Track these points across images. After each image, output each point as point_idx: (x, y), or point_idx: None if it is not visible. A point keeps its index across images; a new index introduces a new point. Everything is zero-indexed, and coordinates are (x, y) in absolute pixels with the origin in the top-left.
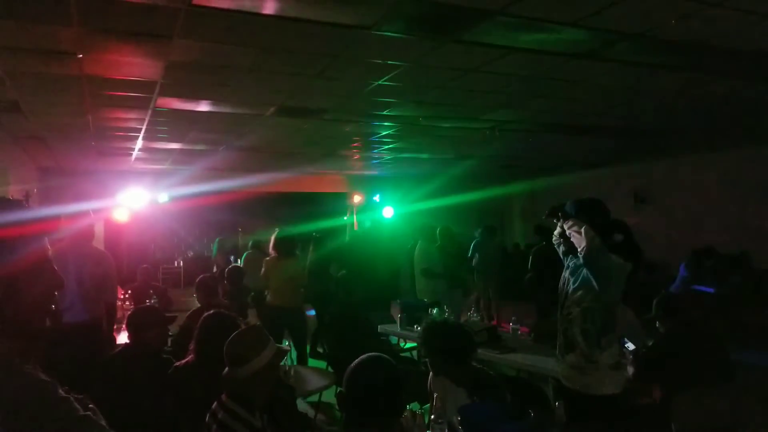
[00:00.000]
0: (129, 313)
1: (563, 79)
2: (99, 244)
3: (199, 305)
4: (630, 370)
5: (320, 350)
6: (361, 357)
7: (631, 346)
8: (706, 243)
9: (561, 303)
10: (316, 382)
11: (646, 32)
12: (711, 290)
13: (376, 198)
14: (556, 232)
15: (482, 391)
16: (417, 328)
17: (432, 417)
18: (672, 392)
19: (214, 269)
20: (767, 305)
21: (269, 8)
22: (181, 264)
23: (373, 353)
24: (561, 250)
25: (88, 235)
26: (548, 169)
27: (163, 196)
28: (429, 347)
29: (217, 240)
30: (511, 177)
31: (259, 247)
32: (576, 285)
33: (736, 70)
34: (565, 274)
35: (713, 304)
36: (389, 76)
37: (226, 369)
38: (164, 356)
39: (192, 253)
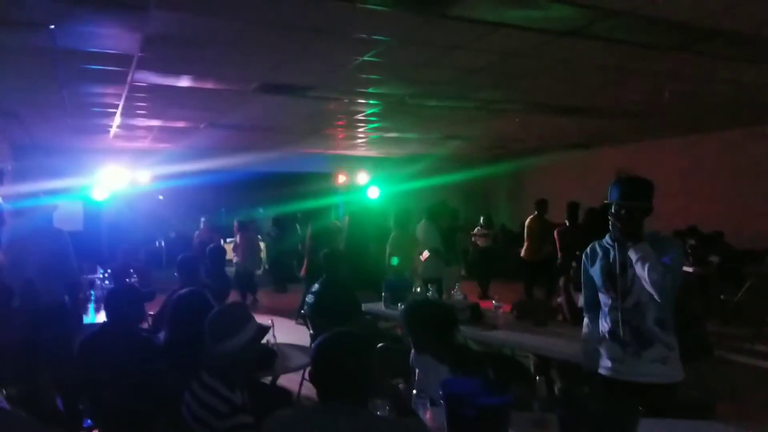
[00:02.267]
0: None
1: (550, 58)
2: (78, 224)
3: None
4: None
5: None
6: (328, 333)
7: None
8: (688, 223)
9: (618, 295)
10: (298, 358)
11: (634, 10)
12: (690, 269)
13: (363, 178)
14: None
15: (464, 366)
16: (401, 306)
17: (414, 392)
18: None
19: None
20: (742, 284)
21: None
22: (163, 244)
23: (341, 329)
24: (616, 233)
25: (46, 215)
26: (534, 150)
27: (143, 175)
28: (411, 325)
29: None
30: (498, 157)
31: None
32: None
33: (723, 51)
34: (613, 258)
35: (693, 283)
36: (374, 52)
37: (208, 345)
38: (143, 335)
39: (174, 234)
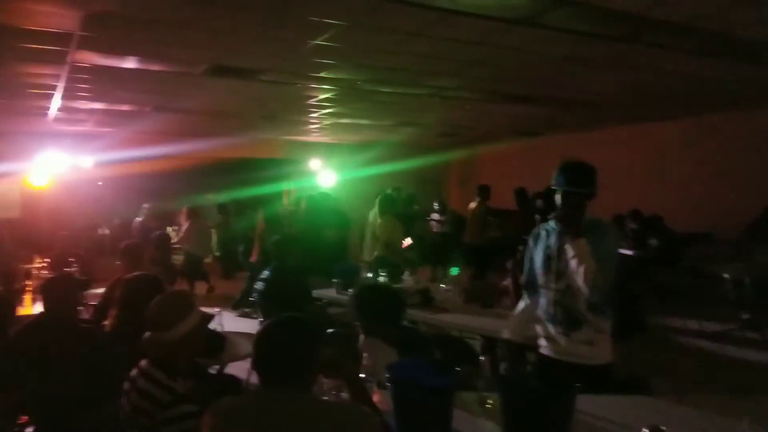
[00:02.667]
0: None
1: (502, 46)
2: (15, 211)
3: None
4: None
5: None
6: (268, 321)
7: None
8: (630, 208)
9: (553, 277)
10: (247, 346)
11: (586, 0)
12: (631, 252)
13: (316, 164)
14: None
15: (412, 349)
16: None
17: (362, 376)
18: None
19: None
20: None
21: None
22: (107, 232)
23: (285, 314)
24: (559, 217)
25: None
26: (486, 137)
27: (86, 160)
28: (360, 309)
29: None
30: (450, 144)
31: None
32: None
33: (672, 42)
34: (552, 242)
35: (633, 265)
36: (327, 35)
37: (147, 334)
38: (82, 326)
39: (119, 221)
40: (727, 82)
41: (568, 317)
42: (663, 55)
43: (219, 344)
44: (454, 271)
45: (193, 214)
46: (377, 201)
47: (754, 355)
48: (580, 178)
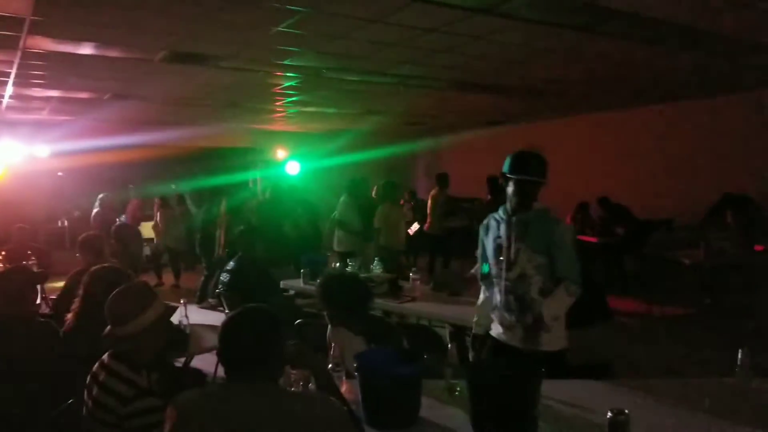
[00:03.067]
0: None
1: (464, 34)
2: None
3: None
4: None
5: (212, 301)
6: (232, 312)
7: None
8: (593, 195)
9: (505, 264)
10: (212, 339)
11: None
12: (594, 240)
13: (281, 153)
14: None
15: (379, 339)
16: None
17: (330, 366)
18: None
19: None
20: (642, 253)
21: None
22: (66, 224)
23: (250, 305)
24: (508, 206)
25: None
26: (451, 126)
27: (43, 150)
28: (326, 299)
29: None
30: (416, 133)
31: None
32: (525, 243)
33: (628, 32)
34: (502, 231)
35: (597, 252)
36: (289, 22)
37: (108, 328)
38: (41, 320)
39: (78, 212)
40: (683, 71)
41: (521, 305)
42: (620, 45)
43: (181, 340)
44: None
45: (163, 204)
46: (347, 187)
47: (715, 339)
48: (531, 166)
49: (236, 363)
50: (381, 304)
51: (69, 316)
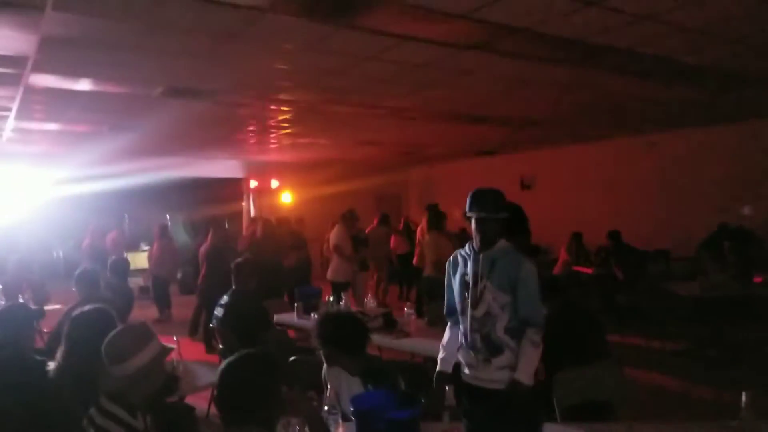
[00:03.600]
0: None
1: (455, 69)
2: None
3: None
4: None
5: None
6: (230, 359)
7: None
8: (582, 227)
9: (471, 301)
10: (206, 377)
11: (530, 27)
12: (589, 271)
13: (274, 183)
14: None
15: (376, 379)
16: (313, 316)
17: (325, 408)
18: (553, 369)
19: None
20: (638, 285)
21: None
22: (61, 254)
23: (245, 351)
24: (476, 242)
25: None
26: (444, 156)
27: (40, 181)
28: (323, 338)
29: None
30: (409, 163)
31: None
32: (490, 280)
33: (614, 66)
34: (469, 268)
35: (591, 285)
36: (284, 59)
37: (105, 368)
38: (36, 358)
39: (73, 242)
40: (676, 102)
41: (487, 344)
42: (611, 78)
43: (172, 383)
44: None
45: (162, 233)
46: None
47: (715, 375)
48: (487, 203)
49: (234, 411)
50: (375, 339)
51: (57, 356)
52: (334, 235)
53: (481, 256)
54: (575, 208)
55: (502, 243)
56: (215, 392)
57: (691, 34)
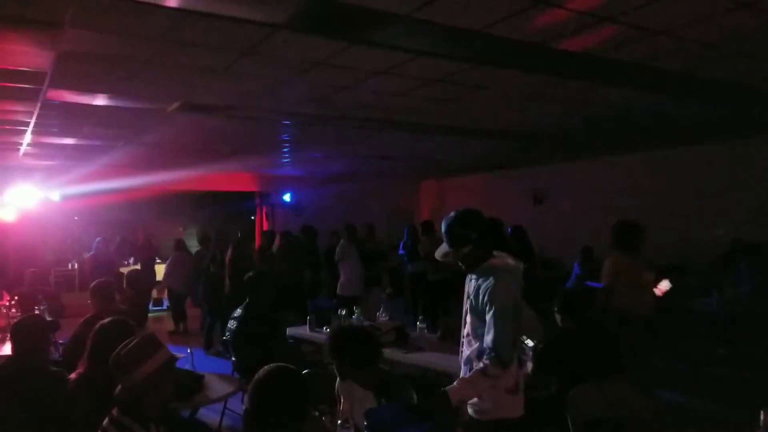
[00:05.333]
0: (13, 323)
1: (468, 84)
2: None
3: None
4: (529, 365)
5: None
6: (261, 372)
7: (530, 342)
8: (603, 241)
9: (463, 322)
10: (220, 388)
11: (544, 42)
12: (600, 285)
13: (287, 197)
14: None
15: (389, 393)
16: (326, 329)
17: (339, 422)
18: (567, 384)
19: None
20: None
21: (173, 0)
22: (76, 266)
23: (273, 365)
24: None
25: None
26: (455, 170)
27: (55, 194)
28: (335, 352)
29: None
30: (420, 176)
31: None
32: (470, 304)
33: (624, 80)
34: (468, 287)
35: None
36: (298, 74)
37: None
38: (53, 369)
39: (87, 255)
40: (686, 117)
41: (467, 365)
42: (624, 93)
43: (196, 385)
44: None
45: (178, 245)
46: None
47: (732, 392)
48: (448, 239)
49: (266, 423)
50: (387, 353)
51: (79, 369)
52: (338, 249)
53: (468, 276)
54: (589, 222)
55: (488, 263)
56: (248, 406)
57: (704, 49)
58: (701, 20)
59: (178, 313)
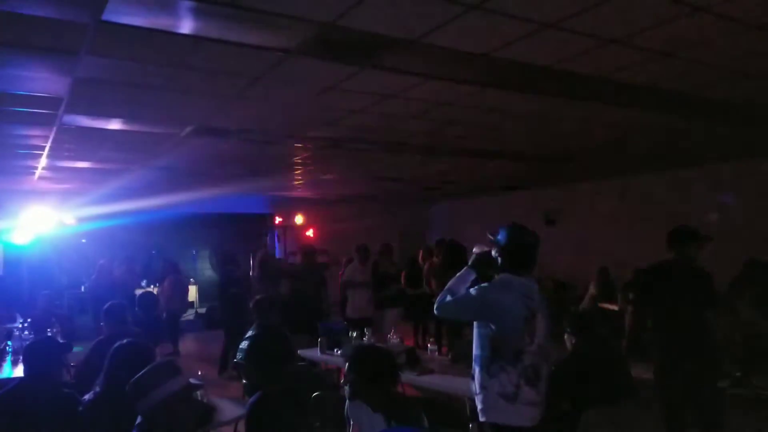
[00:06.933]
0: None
1: (478, 107)
2: None
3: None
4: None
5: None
6: (254, 398)
7: None
8: (613, 261)
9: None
10: (230, 411)
11: (551, 65)
12: (615, 307)
13: (299, 219)
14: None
15: (399, 415)
16: (337, 351)
17: None
18: (580, 407)
19: None
20: None
21: (186, 28)
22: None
23: (267, 390)
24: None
25: None
26: (466, 192)
27: (69, 217)
28: (356, 365)
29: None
30: (432, 198)
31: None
32: None
33: (637, 102)
34: None
35: (618, 321)
36: (308, 99)
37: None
38: (65, 390)
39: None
40: (701, 138)
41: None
42: (635, 114)
43: (207, 416)
44: None
45: (172, 269)
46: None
47: (749, 417)
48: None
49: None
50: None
51: (89, 395)
52: (348, 271)
53: None
54: (602, 243)
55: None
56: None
57: (715, 70)
58: (709, 41)
59: (176, 334)
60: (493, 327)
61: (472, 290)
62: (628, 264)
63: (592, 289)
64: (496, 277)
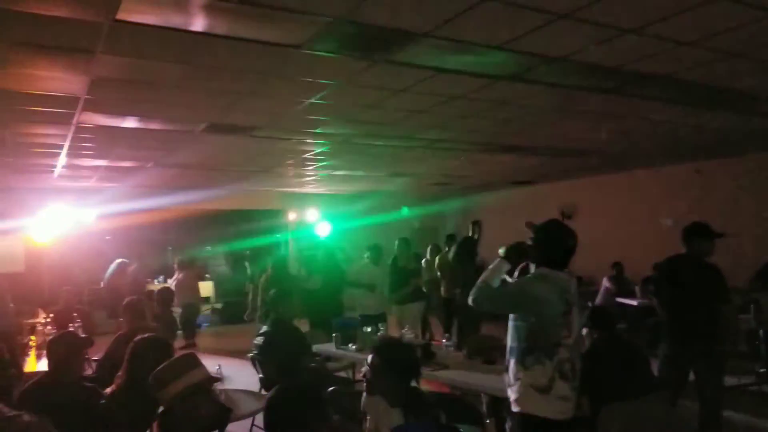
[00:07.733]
0: (49, 339)
1: (491, 100)
2: (19, 266)
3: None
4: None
5: None
6: (271, 393)
7: None
8: (627, 255)
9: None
10: (247, 405)
11: (568, 56)
12: (634, 302)
13: (311, 215)
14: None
15: (416, 410)
16: (351, 346)
17: None
18: (599, 403)
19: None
20: None
21: (198, 25)
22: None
23: (284, 385)
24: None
25: None
26: (481, 186)
27: (88, 214)
28: (382, 364)
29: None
30: (446, 194)
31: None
32: None
33: (653, 93)
34: None
35: (636, 316)
36: (321, 94)
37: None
38: (87, 384)
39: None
40: (720, 130)
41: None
42: (651, 106)
43: (223, 415)
44: None
45: (185, 265)
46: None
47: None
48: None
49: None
50: None
51: (115, 383)
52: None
53: None
54: (618, 238)
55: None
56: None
57: (736, 59)
58: (730, 29)
59: (192, 327)
60: (532, 319)
61: (510, 282)
62: (646, 259)
63: (606, 284)
64: (533, 269)
